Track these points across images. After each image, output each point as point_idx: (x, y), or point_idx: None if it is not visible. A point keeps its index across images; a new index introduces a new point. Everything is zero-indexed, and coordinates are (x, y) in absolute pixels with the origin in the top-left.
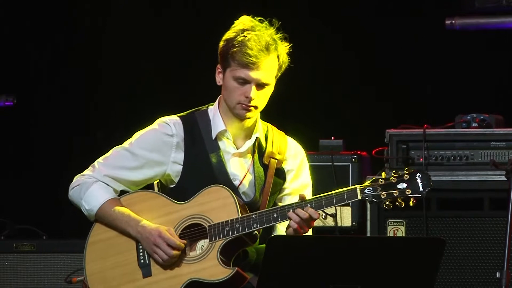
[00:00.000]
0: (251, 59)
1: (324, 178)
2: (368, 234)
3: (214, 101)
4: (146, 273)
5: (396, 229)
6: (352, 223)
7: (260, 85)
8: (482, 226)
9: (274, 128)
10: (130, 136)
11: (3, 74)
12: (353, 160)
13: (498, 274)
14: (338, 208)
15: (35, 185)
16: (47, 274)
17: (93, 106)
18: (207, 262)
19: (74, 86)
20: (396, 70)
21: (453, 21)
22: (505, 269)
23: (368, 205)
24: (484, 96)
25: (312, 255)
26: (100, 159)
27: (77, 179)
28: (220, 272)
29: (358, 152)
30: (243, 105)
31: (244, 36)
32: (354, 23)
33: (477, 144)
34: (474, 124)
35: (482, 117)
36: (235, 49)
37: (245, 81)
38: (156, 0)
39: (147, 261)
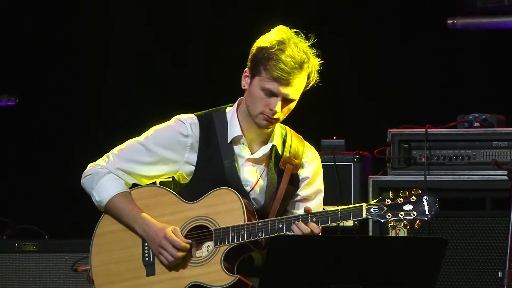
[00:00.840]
0: (284, 74)
1: (326, 178)
2: (370, 234)
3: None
4: (150, 271)
5: (398, 229)
6: (354, 223)
7: (287, 100)
8: (484, 225)
9: (293, 132)
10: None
11: (5, 74)
12: (355, 159)
13: (500, 274)
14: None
15: (37, 185)
16: (49, 274)
17: (94, 106)
18: (210, 266)
19: (75, 86)
20: (398, 69)
21: (455, 21)
22: (507, 268)
23: None
24: (486, 96)
25: (314, 255)
26: (114, 150)
27: (90, 168)
28: (222, 278)
29: (360, 152)
30: (265, 116)
31: (280, 49)
32: (354, 22)
33: (479, 143)
34: (476, 124)
35: (484, 116)
36: (269, 61)
37: (272, 94)
38: (157, 2)
39: (151, 260)
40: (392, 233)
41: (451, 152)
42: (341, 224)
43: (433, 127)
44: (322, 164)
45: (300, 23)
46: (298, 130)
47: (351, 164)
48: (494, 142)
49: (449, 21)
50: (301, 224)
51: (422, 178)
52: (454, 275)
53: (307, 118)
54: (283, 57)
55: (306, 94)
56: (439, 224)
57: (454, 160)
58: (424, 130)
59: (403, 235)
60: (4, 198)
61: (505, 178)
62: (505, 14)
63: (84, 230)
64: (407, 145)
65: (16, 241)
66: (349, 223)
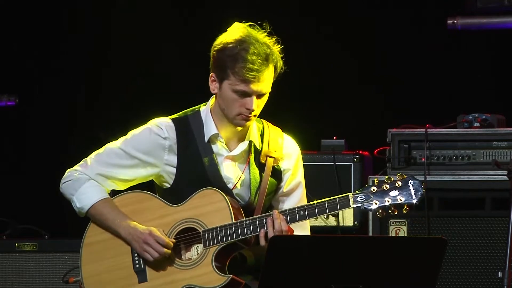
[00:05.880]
0: (253, 74)
1: (326, 178)
2: (370, 234)
3: (206, 101)
4: (142, 278)
5: (398, 229)
6: (354, 222)
7: (260, 95)
8: (484, 226)
9: (270, 125)
10: None
11: (5, 74)
12: (355, 159)
13: (500, 274)
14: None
15: (37, 185)
16: (49, 274)
17: (95, 105)
18: (202, 268)
19: (76, 86)
20: (398, 69)
21: (455, 21)
22: (507, 268)
23: None
24: (486, 96)
25: (314, 255)
26: (92, 156)
27: (69, 173)
28: (215, 279)
29: (360, 152)
30: (243, 116)
31: (243, 48)
32: (354, 23)
33: (479, 144)
34: (476, 124)
35: (484, 116)
36: (235, 63)
37: (246, 94)
38: (156, 1)
39: (142, 266)
40: (392, 233)
41: (451, 152)
42: (341, 224)
43: (433, 127)
44: (321, 165)
45: (299, 24)
46: (298, 130)
47: (351, 164)
48: (494, 142)
49: (449, 21)
50: (277, 221)
51: (422, 178)
52: (454, 275)
53: (307, 118)
54: (248, 56)
55: (306, 95)
56: (439, 224)
57: (454, 160)
58: (424, 130)
59: (403, 235)
60: (4, 198)
61: (505, 178)
62: (505, 14)
63: (84, 230)
64: (407, 145)
65: (16, 241)
66: (349, 222)
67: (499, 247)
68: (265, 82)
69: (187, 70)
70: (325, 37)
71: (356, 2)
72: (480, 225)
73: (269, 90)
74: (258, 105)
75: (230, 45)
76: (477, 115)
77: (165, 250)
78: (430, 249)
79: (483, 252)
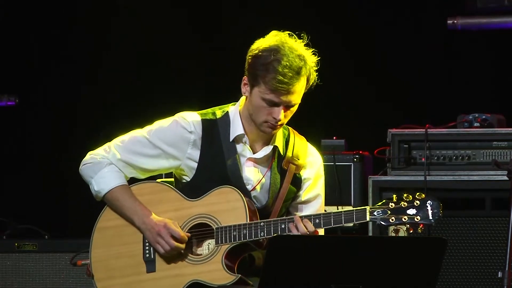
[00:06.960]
0: (283, 86)
1: (326, 178)
2: (370, 234)
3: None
4: (150, 268)
5: (398, 229)
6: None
7: (289, 106)
8: (484, 226)
9: (296, 133)
10: None
11: (5, 74)
12: (355, 159)
13: (500, 274)
14: (340, 208)
15: (37, 185)
16: (49, 274)
17: (95, 105)
18: (211, 265)
19: (76, 86)
20: (398, 69)
21: (455, 21)
22: (507, 268)
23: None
24: (486, 96)
25: (314, 254)
26: (117, 141)
27: (91, 156)
28: (223, 277)
29: (360, 152)
30: (270, 124)
31: (276, 59)
32: (354, 22)
33: (479, 144)
34: (476, 124)
35: (484, 116)
36: (267, 73)
37: (274, 104)
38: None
39: (152, 256)
40: (392, 233)
41: (451, 152)
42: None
43: (433, 127)
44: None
45: (302, 24)
46: (298, 130)
47: (351, 164)
48: (494, 142)
49: (449, 21)
50: (300, 224)
51: (422, 178)
52: (454, 275)
53: (307, 118)
54: (280, 68)
55: (306, 95)
56: (439, 224)
57: (454, 160)
58: (424, 130)
59: (403, 235)
60: (4, 198)
61: (505, 178)
62: (505, 14)
63: (84, 231)
64: (407, 145)
65: (16, 241)
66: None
67: (499, 247)
68: (295, 94)
69: (187, 70)
70: (325, 37)
71: (356, 2)
72: (480, 225)
73: (299, 101)
74: (286, 115)
75: (264, 53)
76: (477, 115)
77: (177, 244)
78: (430, 249)
79: (483, 252)
